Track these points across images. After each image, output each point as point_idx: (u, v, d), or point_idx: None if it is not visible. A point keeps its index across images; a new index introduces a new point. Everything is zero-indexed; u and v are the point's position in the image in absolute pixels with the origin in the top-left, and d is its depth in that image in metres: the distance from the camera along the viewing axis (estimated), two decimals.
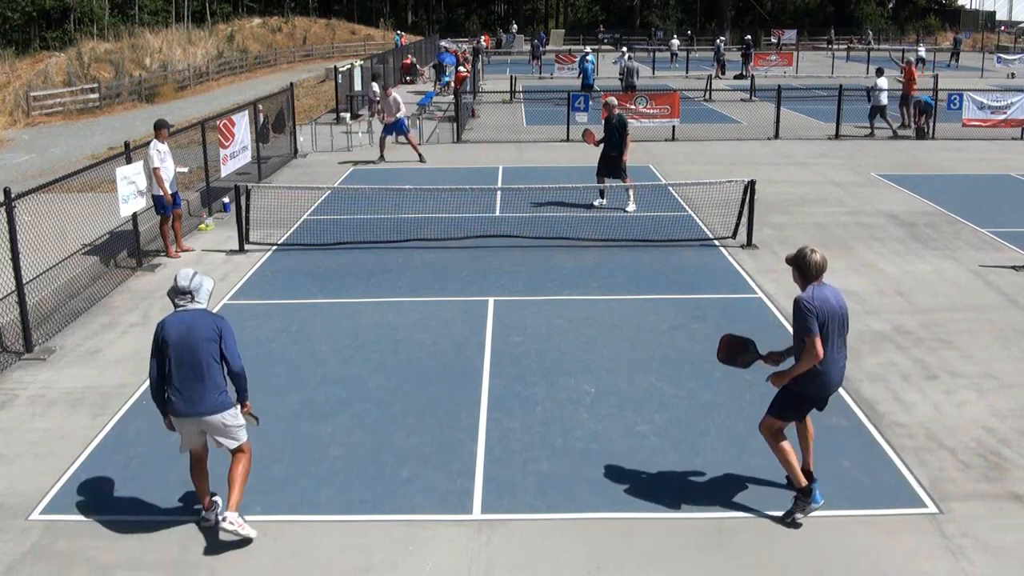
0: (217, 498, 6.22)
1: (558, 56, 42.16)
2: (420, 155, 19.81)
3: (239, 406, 6.02)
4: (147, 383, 8.42)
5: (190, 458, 6.14)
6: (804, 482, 6.19)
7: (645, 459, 7.03)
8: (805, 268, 6.14)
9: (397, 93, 20.22)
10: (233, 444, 6.01)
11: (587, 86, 29.89)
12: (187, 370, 5.76)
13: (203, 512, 6.21)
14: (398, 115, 19.59)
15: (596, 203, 15.20)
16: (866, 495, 6.49)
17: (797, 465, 6.22)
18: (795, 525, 6.13)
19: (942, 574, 5.64)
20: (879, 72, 23.42)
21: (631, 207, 14.95)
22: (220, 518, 5.92)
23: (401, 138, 20.34)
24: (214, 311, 9.97)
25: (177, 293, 5.91)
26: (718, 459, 7.01)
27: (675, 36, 52.67)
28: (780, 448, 6.24)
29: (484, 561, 5.80)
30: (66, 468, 6.96)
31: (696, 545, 5.94)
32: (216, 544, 5.99)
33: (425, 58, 44.82)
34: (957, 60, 49.45)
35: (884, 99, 22.71)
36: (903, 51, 45.15)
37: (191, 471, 6.16)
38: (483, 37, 58.46)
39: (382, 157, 19.73)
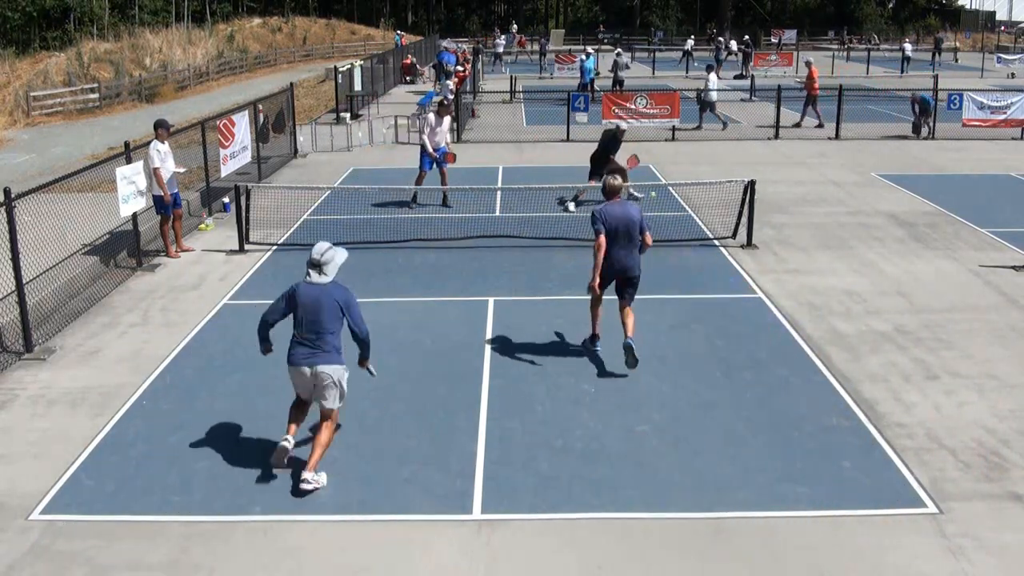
0: (290, 437, 6.85)
1: (558, 56, 42.14)
2: (446, 197, 15.48)
3: (344, 378, 6.75)
4: (148, 382, 8.48)
5: (297, 398, 6.95)
6: (595, 332, 9.04)
7: (645, 459, 7.03)
8: (603, 190, 8.88)
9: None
10: (327, 403, 6.70)
11: (583, 85, 29.97)
12: (311, 331, 6.65)
13: (285, 435, 6.86)
14: (448, 141, 15.78)
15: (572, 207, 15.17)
16: (866, 495, 6.49)
17: (595, 322, 9.01)
18: (588, 353, 8.98)
19: (942, 574, 5.64)
20: (708, 68, 25.10)
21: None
22: (301, 479, 6.59)
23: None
24: (217, 307, 9.98)
25: (310, 264, 6.72)
26: (718, 459, 7.01)
27: (691, 36, 52.47)
28: (592, 308, 9.02)
29: (484, 561, 5.80)
30: (66, 468, 6.96)
31: (696, 545, 5.94)
32: (216, 544, 5.99)
33: (425, 58, 44.82)
34: (945, 56, 49.39)
35: (713, 96, 24.08)
36: (902, 50, 45.14)
37: (293, 406, 6.97)
38: (519, 39, 58.07)
39: (416, 199, 15.42)
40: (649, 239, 8.77)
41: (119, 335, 9.79)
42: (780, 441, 7.29)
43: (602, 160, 15.00)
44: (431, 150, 15.29)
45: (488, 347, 9.26)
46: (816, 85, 24.46)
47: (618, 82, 30.17)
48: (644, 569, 5.72)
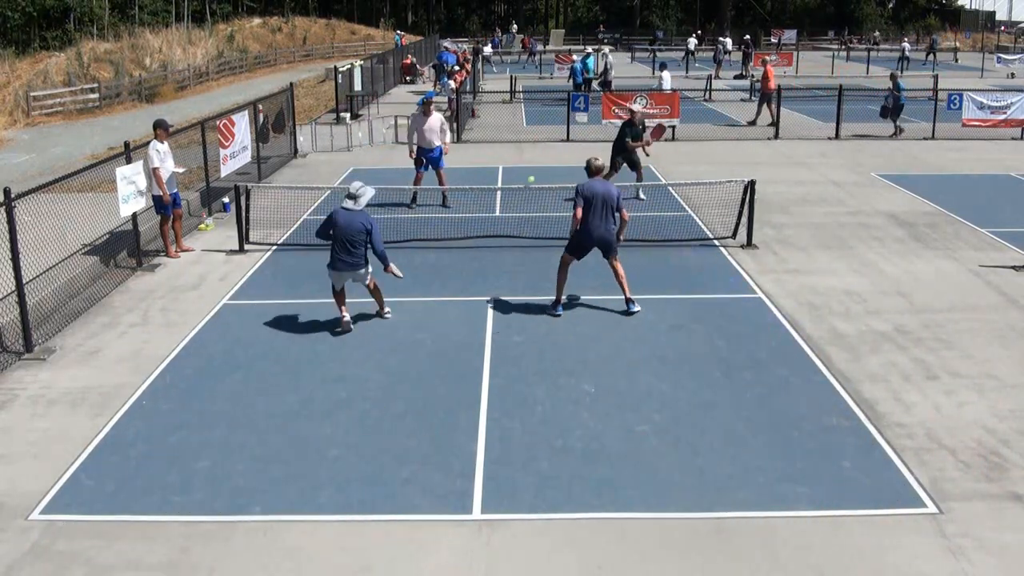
0: (346, 314, 9.68)
1: (558, 56, 42.18)
2: (445, 197, 15.48)
3: (371, 269, 9.61)
4: (147, 382, 8.50)
5: (334, 287, 9.64)
6: (558, 299, 10.14)
7: (645, 459, 7.03)
8: (587, 169, 10.05)
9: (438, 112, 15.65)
10: (367, 280, 9.67)
11: (576, 85, 30.15)
12: (346, 246, 9.28)
13: (343, 315, 9.66)
14: (446, 141, 15.35)
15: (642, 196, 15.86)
16: (866, 495, 6.50)
17: (561, 290, 10.13)
18: (553, 315, 10.07)
19: (942, 574, 5.65)
20: (662, 67, 26.74)
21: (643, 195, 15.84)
22: (383, 314, 9.99)
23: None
24: (217, 307, 10.04)
25: (347, 196, 9.36)
26: (718, 459, 7.02)
27: (693, 35, 52.33)
28: (560, 273, 10.12)
29: (484, 561, 5.80)
30: (66, 468, 6.96)
31: (696, 545, 5.94)
32: (216, 544, 6.00)
33: (425, 58, 44.82)
34: (942, 56, 49.41)
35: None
36: (902, 50, 45.18)
37: (335, 295, 9.69)
38: (523, 39, 58.58)
39: (415, 200, 15.44)
40: (626, 215, 9.96)
41: (119, 335, 9.80)
42: (780, 441, 7.29)
43: (619, 147, 15.68)
44: (412, 151, 15.19)
45: (488, 347, 9.26)
46: (771, 84, 24.96)
47: (605, 83, 30.20)
48: (644, 569, 5.72)
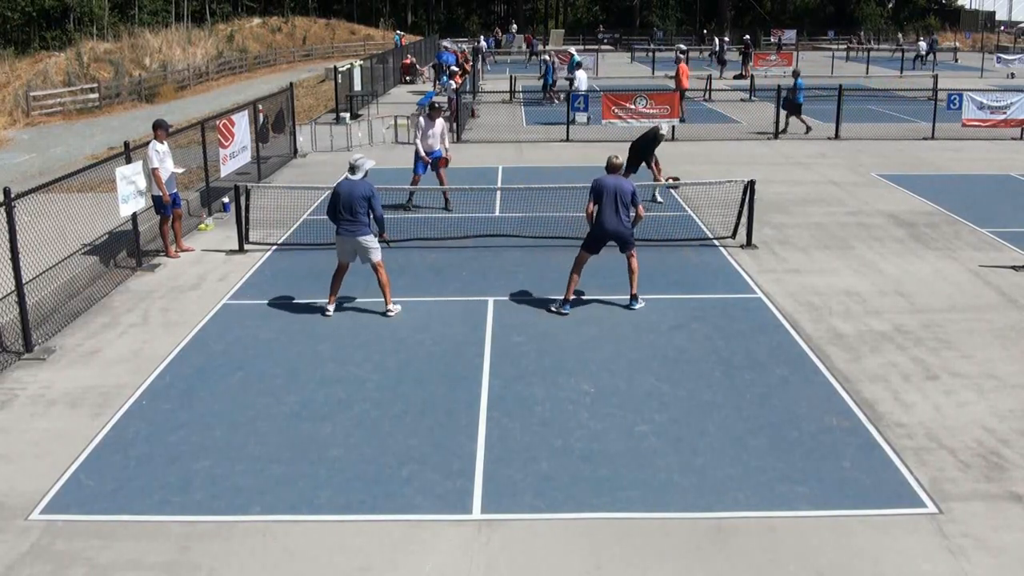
0: (331, 308, 10.14)
1: (557, 56, 42.15)
2: (447, 200, 15.35)
3: (376, 237, 10.05)
4: (147, 382, 8.51)
5: (337, 267, 10.11)
6: (567, 297, 10.17)
7: (645, 459, 7.03)
8: (607, 166, 10.20)
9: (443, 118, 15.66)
10: (373, 257, 9.95)
11: (546, 85, 30.69)
12: (348, 213, 9.74)
13: (327, 306, 10.15)
14: (447, 147, 15.48)
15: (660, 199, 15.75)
16: (866, 495, 6.50)
17: (571, 288, 10.18)
18: (559, 314, 10.08)
19: (942, 574, 5.65)
20: (578, 66, 27.43)
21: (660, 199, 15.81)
22: (386, 311, 10.06)
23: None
24: (217, 307, 10.05)
25: (349, 168, 9.87)
26: (718, 459, 7.02)
27: (682, 43, 52.39)
28: (573, 271, 10.19)
29: (484, 561, 5.80)
30: (66, 468, 6.96)
31: (696, 545, 5.94)
32: (216, 544, 6.00)
33: (425, 58, 44.82)
34: (934, 58, 49.43)
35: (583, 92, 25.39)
36: (903, 50, 45.17)
37: (334, 276, 10.15)
38: (526, 36, 58.89)
39: (411, 200, 15.43)
40: (642, 211, 10.17)
41: (119, 335, 9.79)
42: (780, 441, 7.29)
43: (636, 158, 15.79)
44: (423, 154, 15.18)
45: (488, 347, 9.26)
46: (684, 82, 25.46)
47: (549, 84, 30.52)
48: (644, 569, 5.72)
